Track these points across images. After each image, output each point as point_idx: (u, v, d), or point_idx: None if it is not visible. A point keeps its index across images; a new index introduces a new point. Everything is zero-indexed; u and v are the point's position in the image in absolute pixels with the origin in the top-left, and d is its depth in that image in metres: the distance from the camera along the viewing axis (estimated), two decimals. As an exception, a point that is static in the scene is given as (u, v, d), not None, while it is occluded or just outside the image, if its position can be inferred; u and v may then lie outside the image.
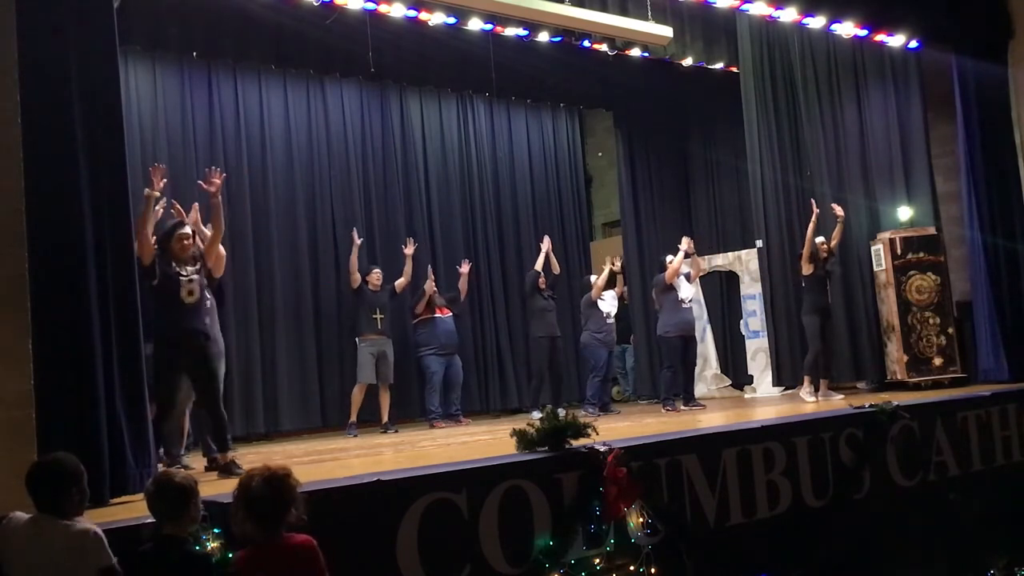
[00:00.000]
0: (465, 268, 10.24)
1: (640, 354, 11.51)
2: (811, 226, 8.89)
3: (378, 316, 9.34)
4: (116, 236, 4.90)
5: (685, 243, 9.40)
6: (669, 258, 9.55)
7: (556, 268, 10.22)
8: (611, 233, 13.00)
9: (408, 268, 9.65)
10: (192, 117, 9.43)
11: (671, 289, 9.22)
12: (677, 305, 9.20)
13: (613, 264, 9.99)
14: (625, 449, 5.05)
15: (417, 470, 4.74)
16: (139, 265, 5.56)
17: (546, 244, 10.06)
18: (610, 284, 9.99)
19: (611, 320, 9.74)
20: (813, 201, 9.04)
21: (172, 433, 6.26)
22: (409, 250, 9.67)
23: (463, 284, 10.18)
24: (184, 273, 5.82)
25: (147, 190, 5.76)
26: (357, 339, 9.38)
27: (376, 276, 9.46)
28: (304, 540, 3.44)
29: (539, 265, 10.00)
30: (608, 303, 9.76)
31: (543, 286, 10.03)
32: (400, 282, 9.62)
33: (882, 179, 9.43)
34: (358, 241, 9.49)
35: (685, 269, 9.39)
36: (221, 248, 6.38)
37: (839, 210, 9.05)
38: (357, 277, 9.36)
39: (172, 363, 5.81)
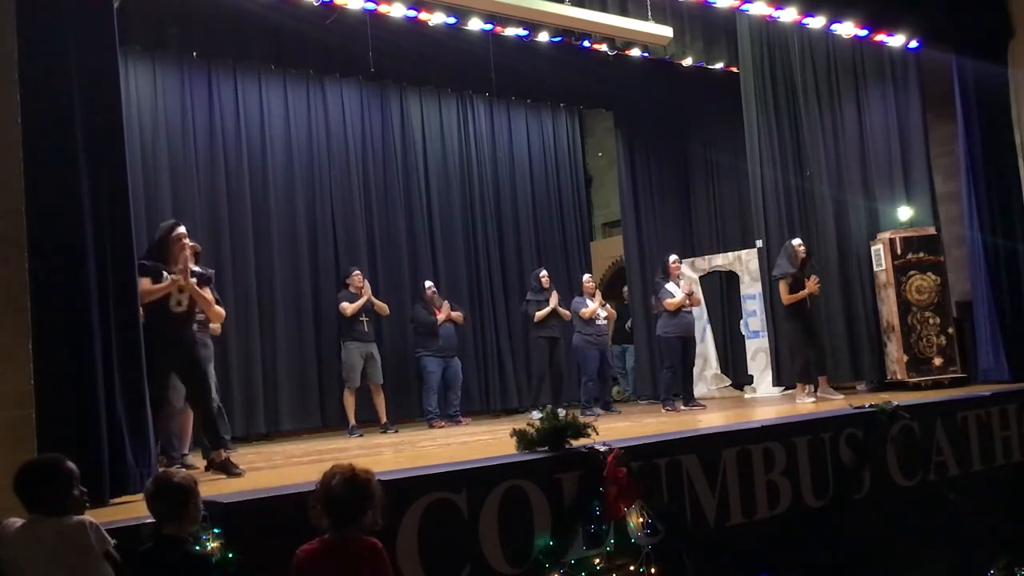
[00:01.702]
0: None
1: (640, 354, 11.51)
2: (804, 292, 8.81)
3: (364, 319, 9.33)
4: (116, 236, 4.89)
5: (685, 287, 9.47)
6: (672, 258, 9.56)
7: (567, 317, 10.02)
8: (611, 233, 13.01)
9: (379, 303, 9.52)
10: (192, 117, 9.43)
11: (670, 294, 9.24)
12: (678, 311, 9.22)
13: (602, 304, 9.93)
14: (625, 449, 5.05)
15: (417, 470, 4.74)
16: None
17: (554, 300, 9.92)
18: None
19: (601, 322, 9.73)
20: (815, 279, 8.90)
21: (171, 434, 6.27)
22: (366, 289, 9.40)
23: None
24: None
25: (174, 277, 5.68)
26: (343, 342, 9.37)
27: (358, 278, 9.44)
28: (371, 542, 3.48)
29: (542, 314, 9.83)
30: (600, 315, 9.75)
31: (547, 285, 10.03)
32: (380, 306, 9.52)
33: (882, 179, 9.42)
34: (367, 291, 9.38)
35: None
36: (220, 308, 6.41)
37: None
38: (350, 310, 9.27)
39: (160, 367, 5.71)
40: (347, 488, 3.44)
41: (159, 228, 6.09)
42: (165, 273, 5.71)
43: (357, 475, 3.48)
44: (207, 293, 6.03)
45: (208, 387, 5.99)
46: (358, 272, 9.51)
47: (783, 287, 8.82)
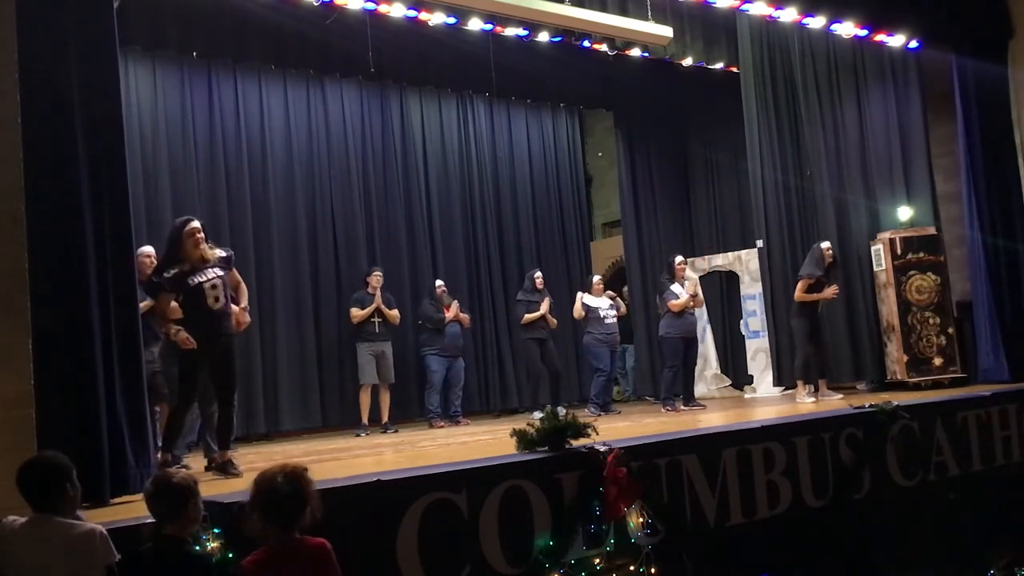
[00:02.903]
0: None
1: (640, 354, 11.51)
2: (819, 296, 8.84)
3: (376, 320, 9.33)
4: (116, 236, 4.90)
5: (690, 288, 9.43)
6: (678, 259, 9.55)
7: (553, 325, 10.06)
8: (611, 233, 13.01)
9: (390, 312, 9.49)
10: (192, 117, 9.42)
11: (675, 295, 9.26)
12: (681, 309, 9.23)
13: (612, 298, 9.98)
14: (625, 449, 5.05)
15: (417, 470, 4.74)
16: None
17: (545, 306, 9.93)
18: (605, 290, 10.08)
19: (610, 320, 9.74)
20: (835, 288, 8.92)
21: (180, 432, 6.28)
22: (377, 297, 9.39)
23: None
24: (206, 279, 5.76)
25: (178, 334, 5.68)
26: (355, 342, 9.38)
27: (376, 279, 9.44)
28: (319, 543, 3.41)
29: (530, 317, 9.84)
30: (603, 306, 9.74)
31: (541, 286, 10.03)
32: (390, 315, 9.47)
33: (882, 179, 9.42)
34: (379, 299, 9.37)
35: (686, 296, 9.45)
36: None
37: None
38: (357, 319, 9.30)
39: (197, 364, 5.79)
40: (291, 485, 3.33)
41: (173, 224, 6.08)
42: (190, 280, 5.71)
43: (296, 470, 3.39)
44: (235, 274, 6.06)
45: (234, 381, 5.98)
46: (378, 273, 9.51)
47: (801, 284, 8.83)
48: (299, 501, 3.35)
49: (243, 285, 6.27)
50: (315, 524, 3.42)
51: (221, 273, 5.85)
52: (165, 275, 5.73)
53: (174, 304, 5.85)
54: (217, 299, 5.78)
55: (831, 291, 8.87)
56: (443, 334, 9.75)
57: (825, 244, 8.99)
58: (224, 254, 6.01)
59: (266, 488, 3.36)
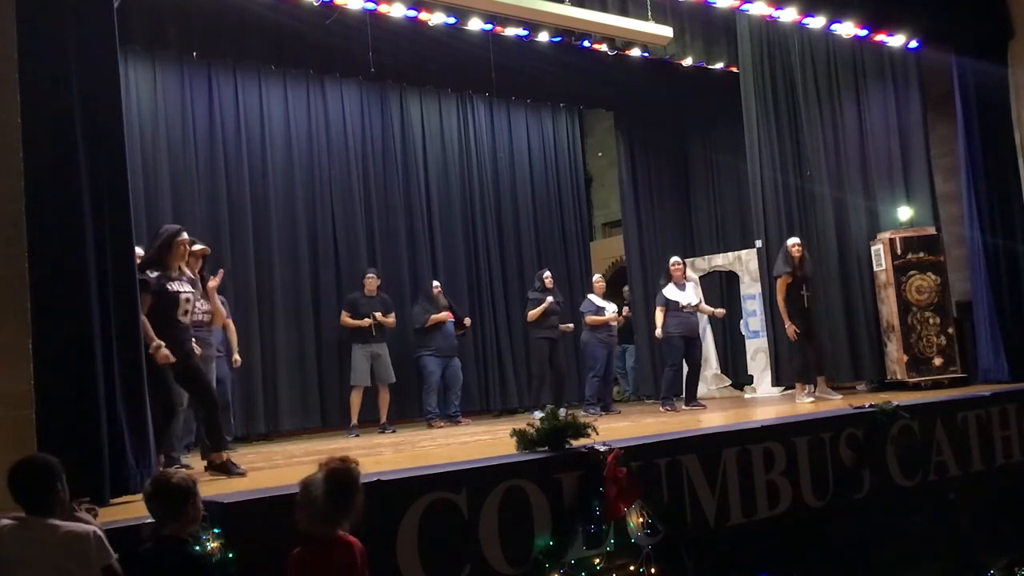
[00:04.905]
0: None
1: (641, 354, 11.51)
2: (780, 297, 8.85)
3: (372, 323, 9.31)
4: (116, 236, 4.89)
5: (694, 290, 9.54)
6: (673, 260, 9.58)
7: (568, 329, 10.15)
8: (611, 233, 13.02)
9: (390, 319, 9.50)
10: (192, 117, 9.42)
11: (665, 299, 9.30)
12: (679, 311, 9.27)
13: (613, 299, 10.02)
14: (625, 449, 5.05)
15: (417, 470, 4.74)
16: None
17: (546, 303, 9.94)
18: (607, 296, 10.12)
19: (612, 322, 9.74)
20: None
21: (173, 435, 6.27)
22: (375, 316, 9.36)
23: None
24: (182, 290, 5.76)
25: (159, 350, 5.55)
26: (352, 343, 9.36)
27: (371, 281, 9.44)
28: (354, 540, 3.48)
29: (534, 313, 9.85)
30: (606, 307, 9.75)
31: (549, 285, 10.01)
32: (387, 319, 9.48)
33: (882, 179, 9.42)
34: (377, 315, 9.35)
35: (693, 299, 9.53)
36: (219, 303, 6.47)
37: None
38: (351, 324, 9.31)
39: (163, 373, 5.71)
40: (356, 479, 3.43)
41: (164, 231, 6.04)
42: (169, 286, 5.69)
43: (350, 464, 3.49)
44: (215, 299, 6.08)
45: (209, 389, 5.96)
46: (371, 276, 9.51)
47: (779, 285, 8.84)
48: (351, 496, 3.44)
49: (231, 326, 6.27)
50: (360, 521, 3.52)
51: (192, 291, 5.88)
52: (150, 274, 5.65)
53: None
54: (187, 312, 5.78)
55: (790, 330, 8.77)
56: (436, 334, 9.73)
57: (791, 240, 8.95)
58: (192, 276, 6.03)
59: (338, 479, 3.43)
